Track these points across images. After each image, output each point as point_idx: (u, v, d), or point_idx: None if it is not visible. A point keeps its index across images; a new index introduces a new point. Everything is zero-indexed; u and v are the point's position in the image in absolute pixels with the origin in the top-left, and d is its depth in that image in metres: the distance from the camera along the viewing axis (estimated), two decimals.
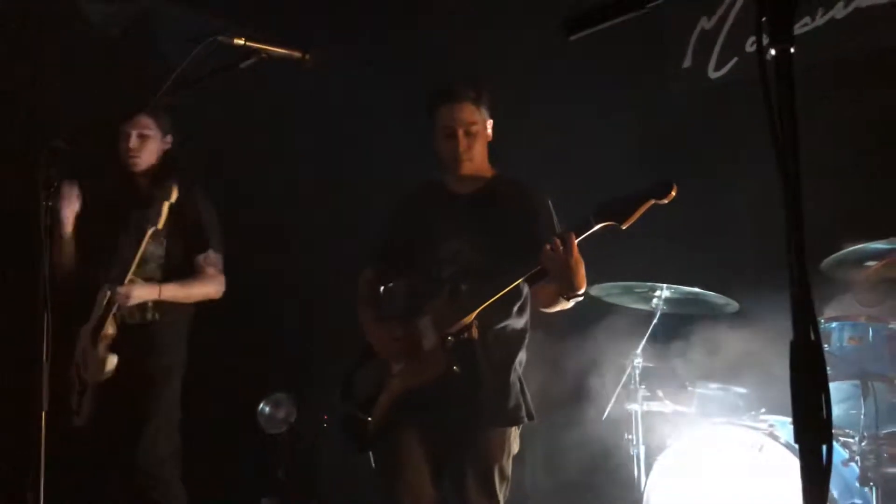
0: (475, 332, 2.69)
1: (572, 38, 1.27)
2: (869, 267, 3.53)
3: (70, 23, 4.55)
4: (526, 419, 2.81)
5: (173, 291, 3.50)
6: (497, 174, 2.98)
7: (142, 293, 3.42)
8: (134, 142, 3.49)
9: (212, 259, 3.58)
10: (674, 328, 4.05)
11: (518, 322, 2.82)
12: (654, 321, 3.94)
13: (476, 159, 2.89)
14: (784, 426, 3.53)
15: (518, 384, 2.81)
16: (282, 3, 4.73)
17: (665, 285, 3.85)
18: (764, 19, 1.21)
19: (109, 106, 3.95)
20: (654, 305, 3.94)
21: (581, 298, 2.70)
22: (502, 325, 2.78)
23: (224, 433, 4.62)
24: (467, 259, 2.77)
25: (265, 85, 4.01)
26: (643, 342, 3.93)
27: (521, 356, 2.86)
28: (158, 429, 3.41)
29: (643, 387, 3.93)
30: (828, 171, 3.60)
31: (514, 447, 2.82)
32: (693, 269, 3.91)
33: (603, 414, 4.05)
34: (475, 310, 2.65)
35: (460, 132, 2.84)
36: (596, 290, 4.03)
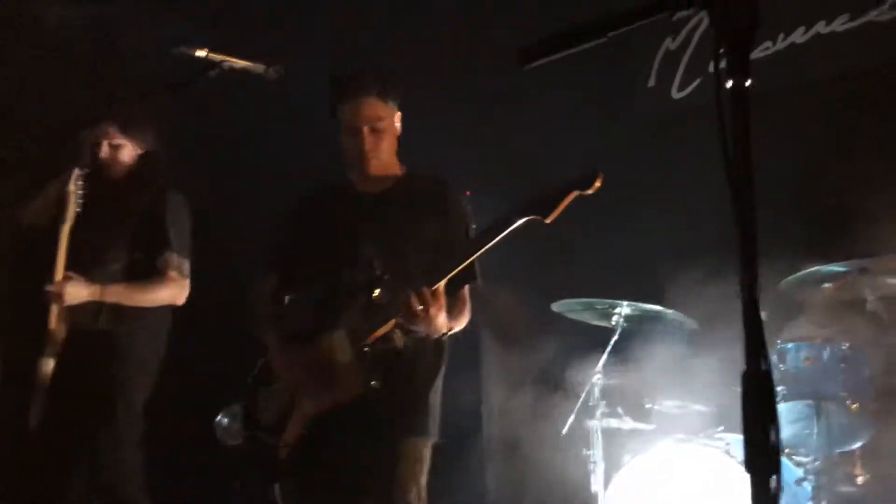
0: (399, 341, 2.52)
1: (526, 67, 1.26)
2: (826, 289, 3.59)
3: (26, 26, 4.48)
4: (434, 437, 2.65)
5: (119, 294, 3.35)
6: (408, 171, 2.80)
7: (78, 292, 3.27)
8: (105, 151, 3.43)
9: (173, 262, 3.43)
10: (634, 345, 4.08)
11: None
12: (615, 338, 3.96)
13: (384, 157, 2.70)
14: (741, 444, 3.58)
15: (436, 398, 2.67)
16: (248, 14, 4.70)
17: (625, 302, 3.88)
18: (721, 51, 1.22)
19: (69, 112, 3.89)
20: (614, 322, 3.97)
21: (447, 336, 2.56)
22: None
23: (191, 445, 4.54)
24: (379, 263, 2.54)
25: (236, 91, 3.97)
26: (603, 358, 3.95)
27: (443, 367, 2.71)
28: (114, 443, 3.32)
29: (603, 403, 3.95)
30: (787, 194, 3.67)
31: (427, 464, 2.63)
32: (654, 286, 3.94)
33: (562, 429, 4.05)
34: (394, 317, 2.45)
35: (365, 129, 2.65)
36: (557, 307, 4.06)
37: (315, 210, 2.82)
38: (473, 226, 2.72)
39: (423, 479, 2.61)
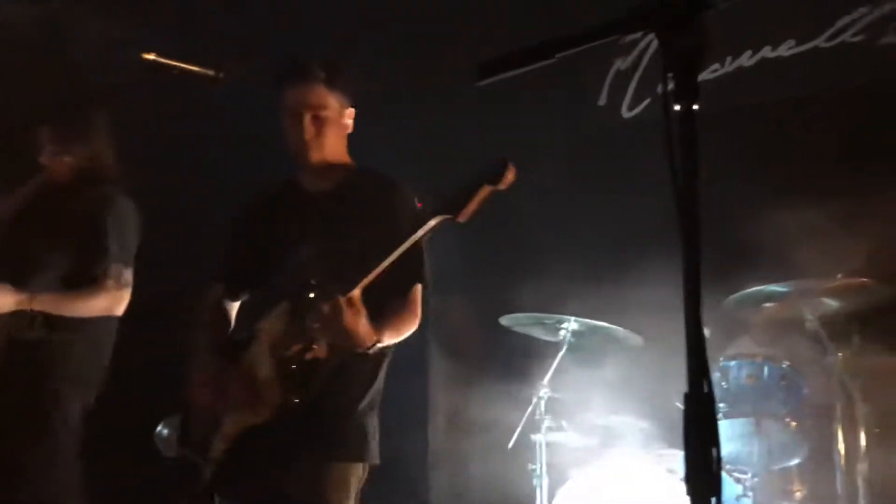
0: (323, 353, 2.31)
1: (482, 83, 1.27)
2: (768, 308, 3.66)
3: None
4: (370, 460, 2.43)
5: (50, 302, 3.20)
6: (358, 168, 2.63)
7: (4, 300, 3.13)
8: (45, 156, 3.33)
9: (111, 271, 3.28)
10: (581, 360, 4.11)
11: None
12: (561, 352, 3.98)
13: (327, 149, 2.53)
14: (682, 461, 3.63)
15: (370, 416, 2.47)
16: (196, 18, 4.63)
17: (573, 318, 3.91)
18: (670, 75, 1.24)
19: (12, 114, 3.78)
20: (561, 337, 3.99)
21: (376, 349, 2.31)
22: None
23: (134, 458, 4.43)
24: (316, 267, 2.37)
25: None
26: (550, 373, 3.96)
27: (380, 383, 2.51)
28: (50, 458, 3.20)
29: (548, 417, 3.96)
30: (731, 215, 3.73)
31: (354, 489, 2.40)
32: (602, 302, 3.98)
33: (508, 443, 4.06)
34: (308, 329, 2.28)
35: (307, 117, 2.50)
36: (505, 320, 4.07)
37: (259, 213, 2.69)
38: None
39: None
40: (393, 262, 2.16)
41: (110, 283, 3.29)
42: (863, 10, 4.37)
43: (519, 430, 4.01)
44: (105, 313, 3.33)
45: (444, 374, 4.57)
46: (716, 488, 1.12)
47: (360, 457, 2.41)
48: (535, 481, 3.93)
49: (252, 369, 2.36)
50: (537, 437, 3.95)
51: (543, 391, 3.96)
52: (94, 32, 4.47)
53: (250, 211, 2.73)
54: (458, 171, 2.01)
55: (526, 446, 4.02)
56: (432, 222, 2.09)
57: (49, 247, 3.28)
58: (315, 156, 2.52)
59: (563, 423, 4.01)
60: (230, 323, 2.67)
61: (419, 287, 2.48)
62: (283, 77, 2.56)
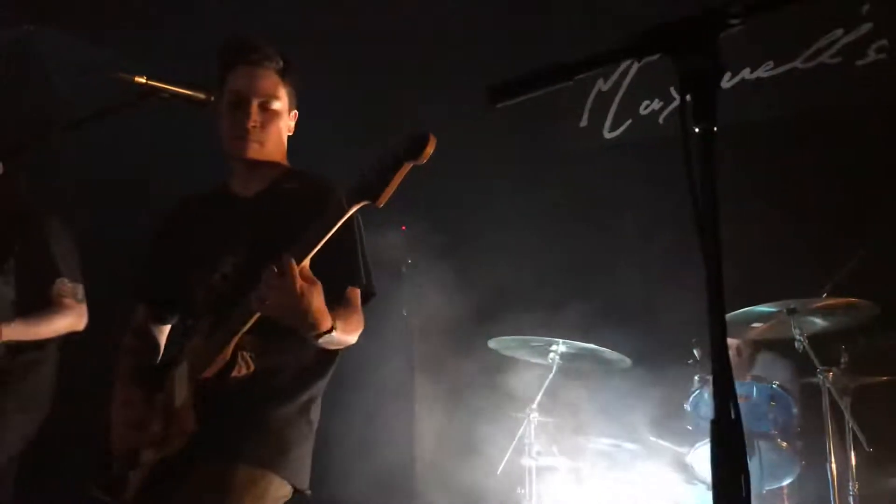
0: (244, 369, 2.06)
1: (498, 106, 1.24)
2: (756, 328, 3.67)
3: None
4: (288, 478, 2.13)
5: (17, 331, 3.17)
6: (292, 169, 2.36)
7: None
8: None
9: (66, 289, 3.29)
10: (570, 383, 4.09)
11: (303, 350, 2.15)
12: (551, 375, 3.95)
13: (268, 146, 2.26)
14: (673, 483, 3.62)
15: (296, 430, 2.18)
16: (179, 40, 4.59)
17: (561, 340, 3.89)
18: (688, 97, 1.22)
19: None
20: (550, 360, 3.96)
21: (331, 338, 2.02)
22: (279, 357, 2.15)
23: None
24: (239, 279, 2.12)
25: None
26: (539, 396, 3.94)
27: (311, 394, 2.24)
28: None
29: (538, 441, 3.93)
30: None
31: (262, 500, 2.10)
32: (590, 325, 3.96)
33: (497, 468, 4.02)
34: (231, 341, 2.03)
35: (255, 103, 2.22)
36: (494, 343, 4.04)
37: (181, 222, 2.40)
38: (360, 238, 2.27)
39: None
40: (324, 262, 1.94)
41: (69, 301, 3.28)
42: (838, 32, 4.44)
43: (509, 453, 3.98)
44: (70, 329, 3.32)
45: (431, 398, 4.52)
46: None
47: (270, 465, 2.11)
48: None
49: (170, 397, 2.13)
50: (527, 461, 3.91)
51: (533, 414, 3.93)
52: (67, 52, 4.41)
53: (171, 221, 2.43)
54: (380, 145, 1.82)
55: (515, 470, 3.98)
56: (353, 210, 1.87)
57: None
58: (253, 150, 2.23)
59: (553, 447, 3.98)
60: (156, 348, 2.41)
61: (356, 291, 2.21)
62: (233, 57, 2.27)
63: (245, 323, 2.00)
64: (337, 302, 2.11)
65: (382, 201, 1.82)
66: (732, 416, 1.14)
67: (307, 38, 4.30)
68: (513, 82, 1.27)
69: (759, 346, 4.22)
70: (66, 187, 4.01)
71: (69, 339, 3.42)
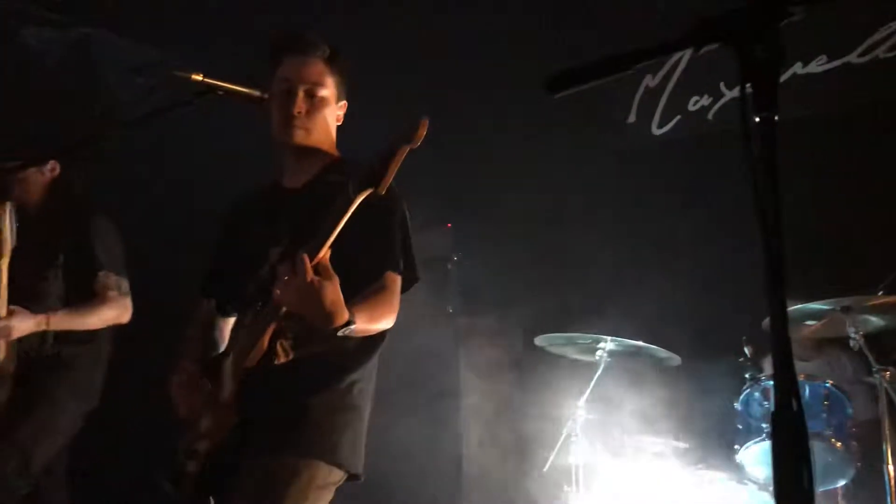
0: (283, 356, 2.11)
1: (557, 96, 1.25)
2: (808, 326, 3.60)
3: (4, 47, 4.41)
4: (334, 461, 2.16)
5: (64, 320, 3.31)
6: (343, 158, 2.38)
7: (25, 325, 3.22)
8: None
9: (110, 282, 3.40)
10: (618, 381, 4.06)
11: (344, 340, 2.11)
12: (598, 373, 3.93)
13: (314, 133, 2.30)
14: (723, 482, 3.57)
15: (340, 415, 2.20)
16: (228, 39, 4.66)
17: (609, 337, 3.86)
18: (749, 87, 1.21)
19: (46, 136, 3.81)
20: (598, 357, 3.94)
21: (350, 330, 2.03)
22: (320, 344, 2.15)
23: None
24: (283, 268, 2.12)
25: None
26: (586, 394, 3.92)
27: (359, 376, 2.25)
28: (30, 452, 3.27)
29: (585, 439, 3.91)
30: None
31: (311, 491, 2.13)
32: (638, 322, 3.93)
33: (544, 465, 4.01)
34: (266, 331, 2.08)
35: (301, 91, 2.28)
36: (540, 341, 4.03)
37: (238, 218, 2.48)
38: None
39: None
40: (354, 250, 2.00)
41: (113, 293, 3.40)
42: (894, 24, 4.34)
43: (556, 451, 3.97)
44: (115, 322, 3.44)
45: (478, 395, 4.52)
46: None
47: (313, 453, 2.14)
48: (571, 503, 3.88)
49: (219, 389, 2.20)
50: (574, 459, 3.90)
51: (580, 412, 3.91)
52: (123, 51, 4.51)
53: (230, 217, 2.52)
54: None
55: (563, 468, 3.97)
56: (359, 199, 1.92)
57: (43, 271, 3.37)
58: (299, 136, 2.28)
59: (600, 444, 3.96)
60: (216, 340, 2.45)
61: (394, 276, 2.22)
62: (281, 47, 2.33)
63: (276, 315, 2.06)
64: (371, 286, 2.16)
65: (384, 187, 1.90)
66: (794, 407, 1.13)
67: (369, 36, 4.35)
68: (573, 70, 1.27)
69: (822, 343, 4.13)
70: (116, 184, 4.09)
71: (120, 334, 3.53)
